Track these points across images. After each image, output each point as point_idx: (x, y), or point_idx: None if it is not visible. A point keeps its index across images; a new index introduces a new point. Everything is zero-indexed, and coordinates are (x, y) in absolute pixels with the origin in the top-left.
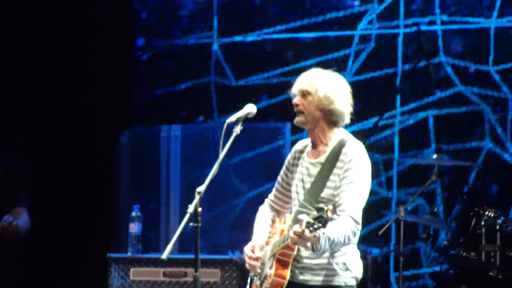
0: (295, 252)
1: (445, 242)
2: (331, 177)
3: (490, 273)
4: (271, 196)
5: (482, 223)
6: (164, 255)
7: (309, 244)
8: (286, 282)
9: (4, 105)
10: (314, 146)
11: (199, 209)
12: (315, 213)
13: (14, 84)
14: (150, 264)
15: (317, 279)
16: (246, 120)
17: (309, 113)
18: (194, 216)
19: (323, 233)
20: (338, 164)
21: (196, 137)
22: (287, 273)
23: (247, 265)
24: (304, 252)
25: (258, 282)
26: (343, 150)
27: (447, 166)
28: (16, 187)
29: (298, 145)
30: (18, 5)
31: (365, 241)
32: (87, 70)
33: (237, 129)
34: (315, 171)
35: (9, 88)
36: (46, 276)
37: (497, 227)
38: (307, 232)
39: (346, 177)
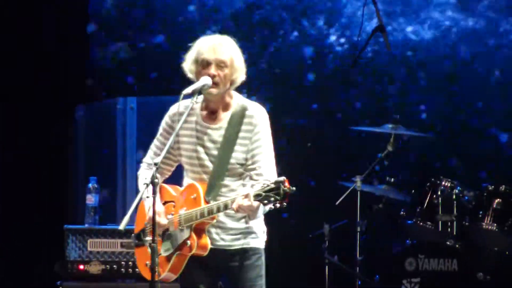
0: (214, 221)
1: (401, 213)
2: (239, 140)
3: (447, 243)
4: (149, 160)
5: (439, 193)
6: (121, 226)
7: (240, 214)
8: (207, 251)
9: None
10: (212, 111)
11: (156, 180)
12: (262, 185)
13: None
14: (107, 235)
15: (238, 243)
16: (201, 91)
17: (224, 85)
18: (152, 187)
19: (276, 206)
20: (244, 127)
21: (152, 109)
22: (208, 242)
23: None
24: (223, 218)
25: (162, 252)
26: (247, 113)
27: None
28: None
29: (176, 108)
30: None
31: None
32: (41, 44)
33: (194, 100)
34: (217, 135)
35: None
36: (4, 249)
37: (454, 197)
38: (255, 203)
39: (257, 140)
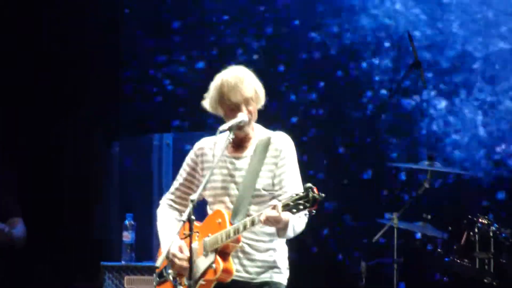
0: (240, 244)
1: (438, 250)
2: (264, 167)
3: (485, 280)
4: (172, 196)
5: (476, 230)
6: (158, 263)
7: (271, 229)
8: (232, 276)
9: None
10: (238, 142)
11: (193, 217)
12: (291, 196)
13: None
14: (143, 272)
15: (261, 276)
16: (238, 128)
17: (254, 118)
18: (188, 224)
19: (305, 214)
20: (269, 154)
21: (187, 145)
22: (233, 267)
23: (176, 266)
24: (249, 249)
25: (187, 282)
26: (272, 141)
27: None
28: (10, 198)
29: (202, 144)
30: None
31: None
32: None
33: (230, 137)
34: (243, 164)
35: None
36: (39, 283)
37: (491, 234)
38: (284, 214)
39: (283, 165)
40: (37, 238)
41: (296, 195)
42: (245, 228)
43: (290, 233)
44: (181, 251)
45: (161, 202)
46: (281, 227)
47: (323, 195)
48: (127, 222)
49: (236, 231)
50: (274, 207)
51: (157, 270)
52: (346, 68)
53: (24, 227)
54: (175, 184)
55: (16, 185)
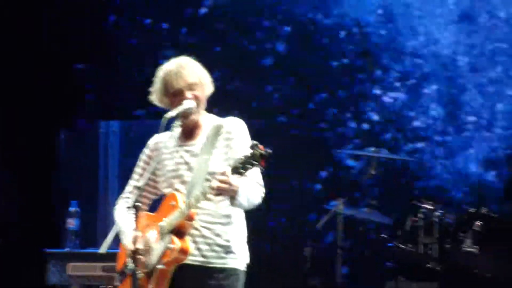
0: (194, 222)
1: (383, 235)
2: (217, 150)
3: (428, 265)
4: (128, 194)
5: (420, 215)
6: (102, 249)
7: (227, 210)
8: (188, 255)
9: None
10: (188, 131)
11: (139, 204)
12: (237, 159)
13: None
14: (87, 259)
15: (217, 261)
16: (185, 116)
17: (202, 104)
18: (135, 210)
19: (260, 184)
20: (222, 138)
21: (134, 132)
22: (189, 246)
23: (129, 259)
24: (206, 231)
25: (144, 269)
26: (224, 126)
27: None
28: None
29: (157, 138)
30: None
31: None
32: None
33: (178, 125)
34: (196, 150)
35: None
36: None
37: (435, 220)
38: (235, 178)
39: (235, 146)
40: None
41: (243, 155)
42: (197, 201)
43: (244, 201)
44: (134, 242)
45: (117, 202)
46: (233, 194)
47: (269, 150)
48: (71, 209)
49: (189, 206)
50: (223, 173)
51: (118, 270)
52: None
53: None
54: (131, 183)
55: None
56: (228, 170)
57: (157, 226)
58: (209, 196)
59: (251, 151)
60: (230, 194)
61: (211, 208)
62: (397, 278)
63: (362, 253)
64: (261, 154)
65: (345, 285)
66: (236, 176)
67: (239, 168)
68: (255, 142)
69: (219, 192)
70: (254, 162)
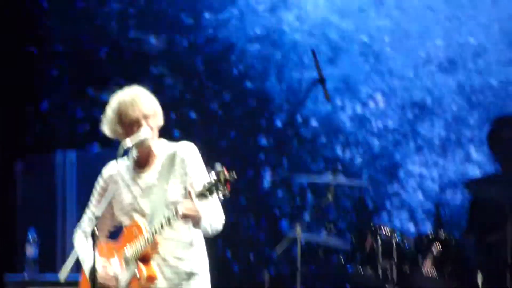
0: (158, 249)
1: (342, 259)
2: (173, 177)
3: None
4: (85, 225)
5: (379, 239)
6: (61, 276)
7: (188, 237)
8: (156, 280)
9: None
10: (143, 160)
11: (96, 232)
12: (203, 185)
13: None
14: (47, 285)
15: (182, 284)
16: (141, 144)
17: (156, 134)
18: (92, 237)
19: (220, 201)
20: (177, 166)
21: (91, 162)
22: (155, 271)
23: (102, 283)
24: (170, 258)
25: None
26: (177, 154)
27: (342, 186)
28: None
29: (110, 171)
30: None
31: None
32: None
33: (134, 155)
34: (151, 180)
35: None
36: None
37: (393, 243)
38: (198, 203)
39: (190, 171)
40: None
41: (208, 181)
42: (162, 227)
43: (207, 226)
44: (105, 272)
45: (75, 231)
46: (198, 220)
47: (234, 175)
48: (30, 237)
49: (154, 233)
50: (189, 198)
51: None
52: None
53: None
54: (88, 212)
55: None
56: (194, 195)
57: (119, 254)
58: (173, 222)
59: (217, 176)
60: (196, 219)
61: (173, 234)
62: None
63: (322, 277)
64: (225, 179)
65: None
66: (200, 201)
67: (205, 193)
68: (219, 168)
69: (185, 217)
70: (220, 187)
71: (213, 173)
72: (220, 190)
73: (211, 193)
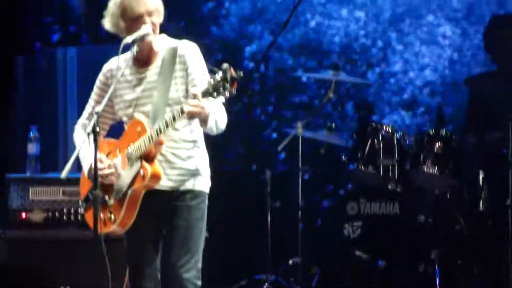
0: (163, 147)
1: (343, 158)
2: (175, 75)
3: (389, 187)
4: (86, 121)
5: (380, 138)
6: (63, 174)
7: (191, 135)
8: (160, 179)
9: None
10: (143, 56)
11: (97, 129)
12: (207, 82)
13: None
14: (49, 183)
15: (185, 185)
16: (142, 40)
17: (157, 31)
18: (93, 133)
19: (223, 103)
20: (178, 65)
21: (92, 57)
22: (160, 170)
23: (102, 179)
24: (172, 157)
25: (114, 196)
26: (178, 52)
27: (344, 83)
28: None
29: (111, 64)
30: None
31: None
32: None
33: (135, 50)
34: (151, 76)
35: None
36: None
37: (395, 142)
38: (205, 102)
39: (192, 71)
40: None
41: (214, 79)
42: (167, 125)
43: (213, 125)
44: (101, 162)
45: (75, 127)
46: (204, 118)
47: (241, 73)
48: (31, 134)
49: (158, 131)
50: (194, 96)
51: (81, 197)
52: None
53: None
54: (88, 108)
55: None
56: (199, 93)
57: (123, 153)
58: (178, 121)
59: (224, 75)
60: (202, 117)
61: (175, 134)
62: (358, 200)
63: (323, 175)
64: (232, 78)
65: (305, 205)
66: (206, 100)
67: (211, 92)
68: (226, 65)
69: (191, 115)
70: (226, 85)
71: (220, 72)
72: (227, 88)
73: (217, 91)
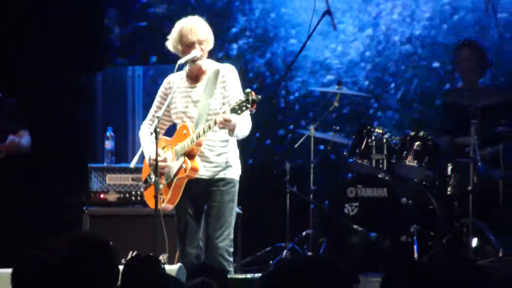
0: (201, 147)
1: (344, 153)
2: (216, 91)
3: (379, 175)
4: (149, 122)
5: (373, 137)
6: (132, 164)
7: (224, 136)
8: (198, 172)
9: None
10: (194, 75)
11: (158, 130)
12: (235, 101)
13: None
14: (121, 171)
15: (218, 174)
16: (192, 61)
17: (205, 56)
18: (154, 135)
19: (249, 115)
20: (219, 84)
21: (154, 75)
22: (198, 165)
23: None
24: (208, 153)
25: (164, 181)
26: (220, 73)
27: (346, 95)
28: (17, 116)
29: (170, 78)
30: None
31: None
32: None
33: (186, 69)
34: (200, 91)
35: None
36: (40, 181)
37: (384, 141)
38: (232, 116)
39: (230, 89)
40: (41, 146)
41: (239, 100)
42: (204, 132)
43: (239, 133)
44: (159, 155)
45: (141, 126)
46: (232, 128)
47: (259, 97)
48: (108, 133)
49: (198, 135)
50: (224, 112)
51: (143, 179)
52: None
53: (29, 138)
54: (151, 112)
55: (21, 106)
56: (228, 109)
57: (173, 149)
58: (213, 128)
59: (246, 97)
60: (230, 128)
61: (214, 135)
62: (356, 186)
63: (329, 166)
64: (253, 100)
65: (316, 190)
66: (234, 115)
67: (237, 109)
68: (249, 90)
69: (222, 126)
70: (248, 105)
71: (243, 94)
72: (248, 108)
73: (241, 109)
